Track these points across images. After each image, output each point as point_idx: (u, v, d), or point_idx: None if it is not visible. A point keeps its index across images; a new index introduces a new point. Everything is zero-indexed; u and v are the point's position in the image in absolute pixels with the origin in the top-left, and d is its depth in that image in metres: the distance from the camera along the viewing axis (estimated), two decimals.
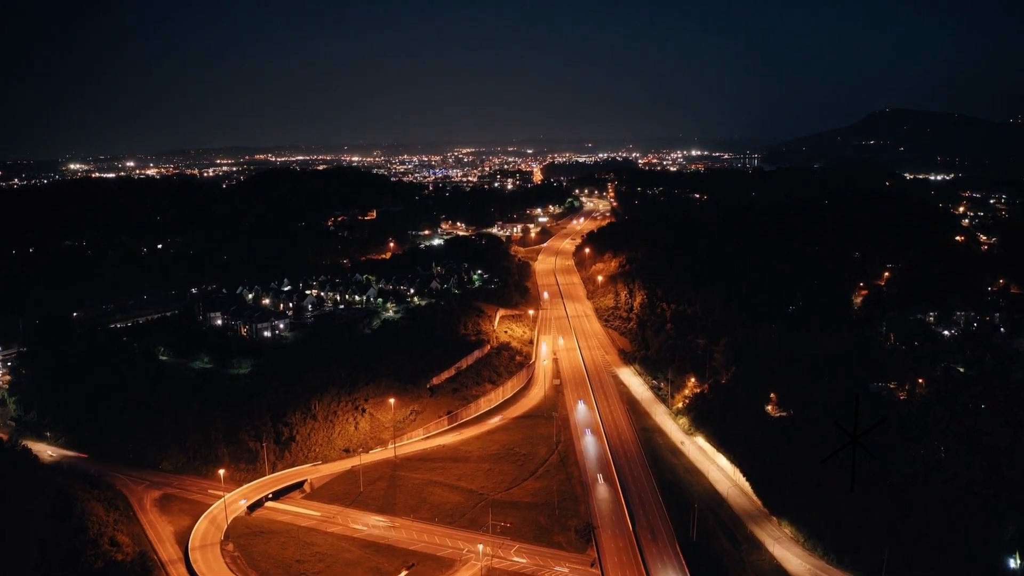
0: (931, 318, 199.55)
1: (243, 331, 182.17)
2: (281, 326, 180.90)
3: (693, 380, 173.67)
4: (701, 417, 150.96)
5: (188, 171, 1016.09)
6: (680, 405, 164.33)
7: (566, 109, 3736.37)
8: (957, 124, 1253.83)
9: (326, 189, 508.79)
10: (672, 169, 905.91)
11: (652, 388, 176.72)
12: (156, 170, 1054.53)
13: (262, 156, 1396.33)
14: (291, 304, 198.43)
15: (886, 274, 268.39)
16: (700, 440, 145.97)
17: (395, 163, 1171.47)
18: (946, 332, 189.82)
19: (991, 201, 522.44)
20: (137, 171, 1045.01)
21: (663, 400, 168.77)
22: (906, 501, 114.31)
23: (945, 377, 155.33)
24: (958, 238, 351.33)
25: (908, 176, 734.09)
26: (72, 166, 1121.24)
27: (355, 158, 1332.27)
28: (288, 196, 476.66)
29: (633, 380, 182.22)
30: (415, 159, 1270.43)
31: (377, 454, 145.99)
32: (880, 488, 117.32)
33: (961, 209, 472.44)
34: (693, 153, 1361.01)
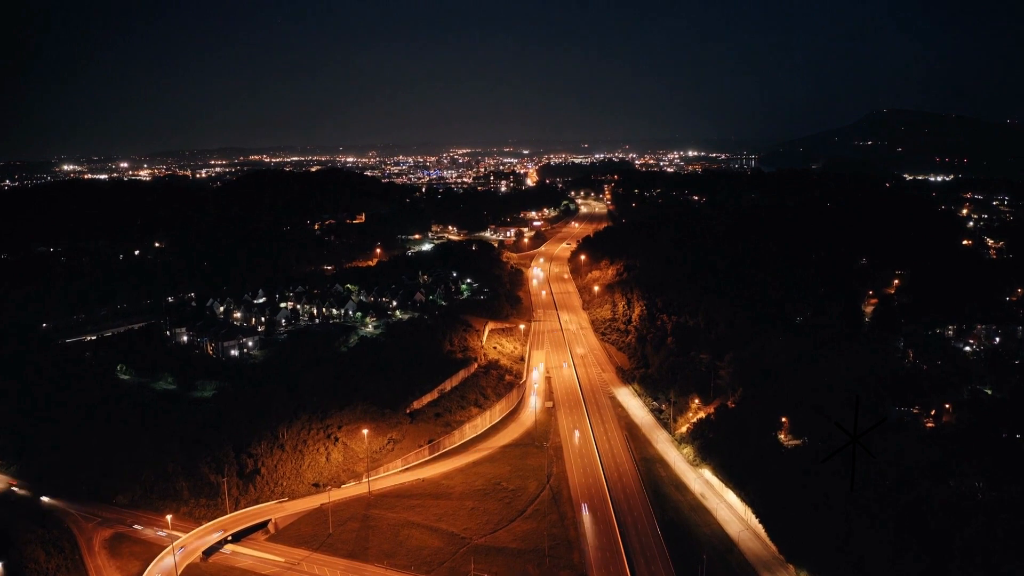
0: (950, 332, 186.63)
1: (209, 349, 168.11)
2: (250, 344, 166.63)
3: (697, 401, 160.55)
4: (707, 446, 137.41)
5: (181, 172, 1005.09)
6: (684, 430, 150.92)
7: (562, 110, 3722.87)
8: (954, 124, 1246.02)
9: (315, 191, 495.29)
10: (669, 170, 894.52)
11: (653, 411, 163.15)
12: (149, 171, 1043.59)
13: (257, 157, 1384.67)
14: (263, 318, 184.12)
15: (896, 281, 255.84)
16: (707, 473, 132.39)
17: (389, 164, 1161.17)
18: (967, 348, 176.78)
19: (994, 203, 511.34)
20: (130, 172, 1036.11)
21: (665, 425, 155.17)
22: (941, 548, 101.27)
23: (973, 401, 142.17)
24: (965, 242, 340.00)
25: (908, 177, 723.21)
26: (65, 167, 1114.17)
27: (350, 159, 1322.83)
28: (275, 198, 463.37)
29: (632, 402, 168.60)
30: (410, 160, 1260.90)
31: (350, 489, 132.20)
32: (911, 532, 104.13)
33: (964, 212, 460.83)
34: (690, 154, 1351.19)
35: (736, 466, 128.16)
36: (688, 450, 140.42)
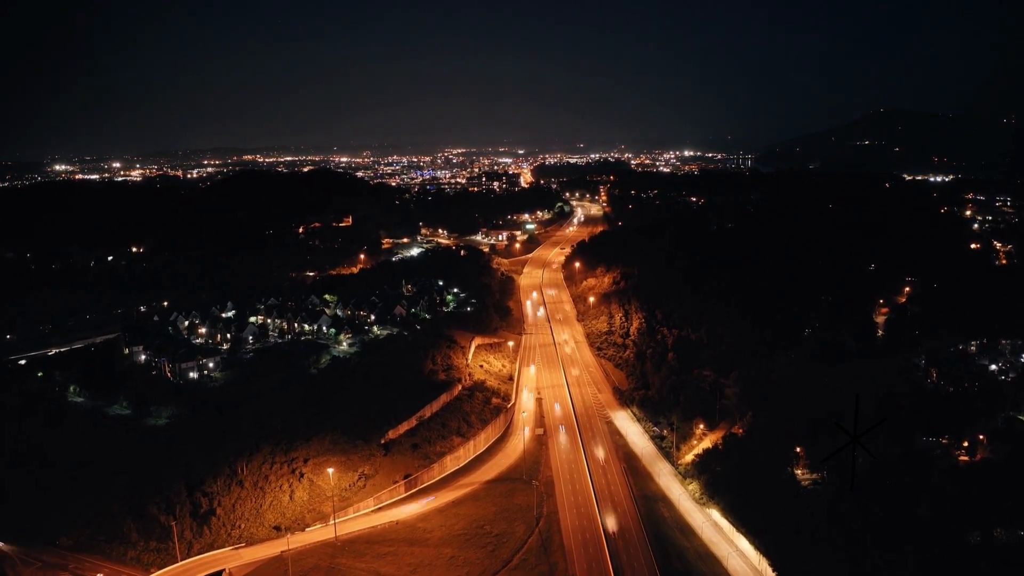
0: (972, 347, 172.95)
1: (167, 370, 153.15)
2: (211, 365, 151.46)
3: (702, 426, 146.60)
4: (715, 482, 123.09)
5: (172, 172, 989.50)
6: (689, 459, 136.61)
7: (558, 109, 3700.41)
8: (951, 124, 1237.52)
9: (305, 191, 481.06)
10: (665, 170, 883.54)
11: (653, 438, 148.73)
12: (141, 172, 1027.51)
13: (250, 157, 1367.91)
14: (229, 335, 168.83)
15: (906, 289, 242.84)
16: (715, 514, 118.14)
17: (383, 164, 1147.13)
18: (993, 366, 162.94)
19: (996, 204, 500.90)
20: (122, 172, 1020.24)
21: (667, 455, 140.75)
22: None
23: (1009, 430, 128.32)
24: (973, 245, 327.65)
25: (907, 177, 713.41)
26: (57, 167, 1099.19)
27: (344, 159, 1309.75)
28: (261, 200, 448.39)
29: (631, 427, 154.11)
30: (404, 160, 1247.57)
31: (315, 533, 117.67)
32: None
33: (968, 213, 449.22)
34: (686, 153, 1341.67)
35: (748, 507, 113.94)
36: (694, 486, 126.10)
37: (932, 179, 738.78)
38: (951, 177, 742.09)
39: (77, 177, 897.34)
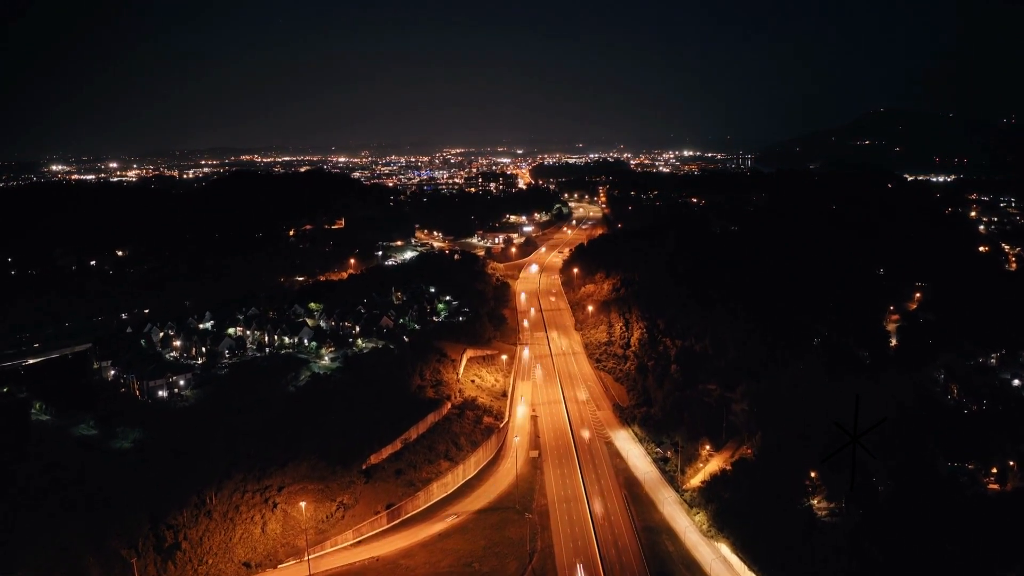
0: (993, 360, 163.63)
1: (135, 387, 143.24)
2: (181, 383, 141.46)
3: (708, 447, 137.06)
4: (724, 512, 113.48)
5: (168, 172, 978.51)
6: (695, 483, 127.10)
7: (557, 110, 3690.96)
8: (951, 124, 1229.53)
9: (303, 191, 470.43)
10: (665, 170, 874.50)
11: (656, 460, 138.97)
12: (137, 172, 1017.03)
13: (248, 157, 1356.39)
14: (204, 348, 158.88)
15: (917, 295, 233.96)
16: (724, 548, 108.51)
17: (381, 164, 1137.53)
18: (1016, 381, 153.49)
19: (1001, 205, 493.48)
20: (118, 172, 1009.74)
21: (671, 480, 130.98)
22: None
23: None
24: (982, 248, 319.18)
25: (908, 177, 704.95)
26: (54, 167, 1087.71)
27: (342, 159, 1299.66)
28: (261, 200, 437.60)
29: (632, 449, 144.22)
30: (403, 160, 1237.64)
31: (288, 570, 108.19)
32: None
33: (973, 214, 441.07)
34: (686, 153, 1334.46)
35: (760, 542, 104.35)
36: (701, 517, 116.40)
37: (934, 179, 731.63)
38: (952, 177, 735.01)
39: (73, 178, 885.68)
